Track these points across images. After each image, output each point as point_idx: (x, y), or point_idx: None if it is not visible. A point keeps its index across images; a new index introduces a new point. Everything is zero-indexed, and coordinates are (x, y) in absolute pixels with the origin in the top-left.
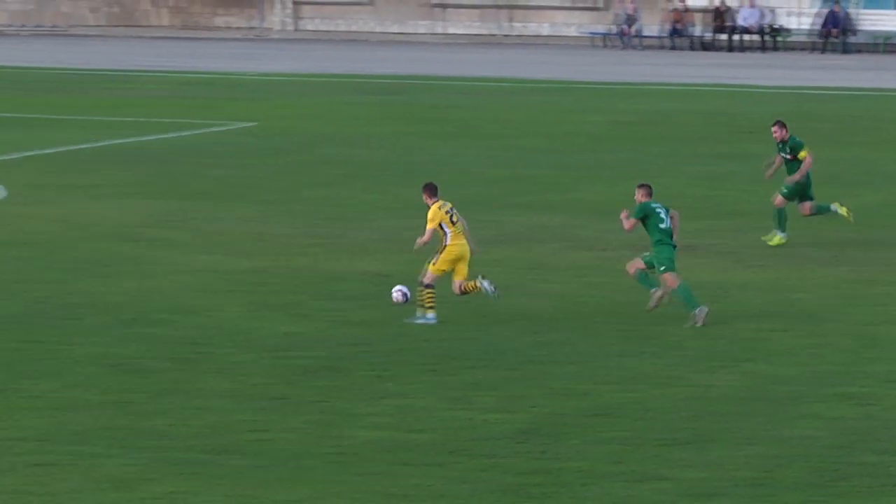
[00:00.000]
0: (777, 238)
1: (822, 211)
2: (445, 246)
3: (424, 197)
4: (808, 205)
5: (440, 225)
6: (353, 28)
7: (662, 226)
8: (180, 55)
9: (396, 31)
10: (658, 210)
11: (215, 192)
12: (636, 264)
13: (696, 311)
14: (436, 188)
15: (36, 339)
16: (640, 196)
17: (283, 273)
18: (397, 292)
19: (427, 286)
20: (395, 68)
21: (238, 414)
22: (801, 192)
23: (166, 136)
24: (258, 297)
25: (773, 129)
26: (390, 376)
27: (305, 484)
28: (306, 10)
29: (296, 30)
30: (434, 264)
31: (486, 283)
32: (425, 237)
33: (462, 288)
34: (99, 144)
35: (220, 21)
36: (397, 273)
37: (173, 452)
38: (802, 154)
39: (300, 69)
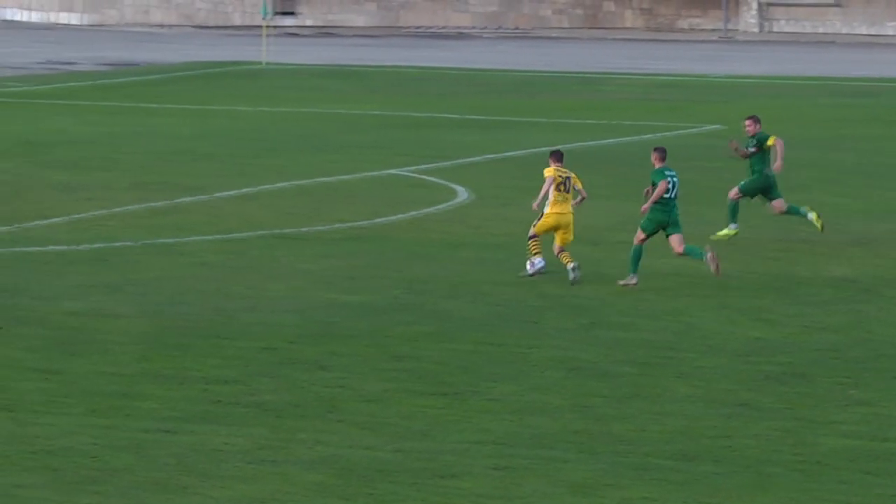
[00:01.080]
0: (726, 231)
1: (793, 212)
2: (543, 213)
3: (550, 160)
4: (778, 203)
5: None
6: (821, 30)
7: (666, 195)
8: (647, 57)
9: (865, 33)
10: (668, 175)
11: (686, 196)
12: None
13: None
14: (561, 155)
15: (497, 341)
16: (654, 160)
17: (750, 276)
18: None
19: (531, 237)
20: (866, 71)
21: (701, 420)
22: (763, 190)
23: (634, 138)
24: (723, 301)
25: (747, 122)
26: (857, 383)
27: (767, 492)
28: (776, 11)
29: (763, 31)
30: (534, 226)
31: (571, 270)
32: (540, 196)
33: (557, 253)
34: (566, 146)
35: (685, 23)
36: (865, 278)
37: (634, 457)
38: (770, 142)
39: (769, 71)
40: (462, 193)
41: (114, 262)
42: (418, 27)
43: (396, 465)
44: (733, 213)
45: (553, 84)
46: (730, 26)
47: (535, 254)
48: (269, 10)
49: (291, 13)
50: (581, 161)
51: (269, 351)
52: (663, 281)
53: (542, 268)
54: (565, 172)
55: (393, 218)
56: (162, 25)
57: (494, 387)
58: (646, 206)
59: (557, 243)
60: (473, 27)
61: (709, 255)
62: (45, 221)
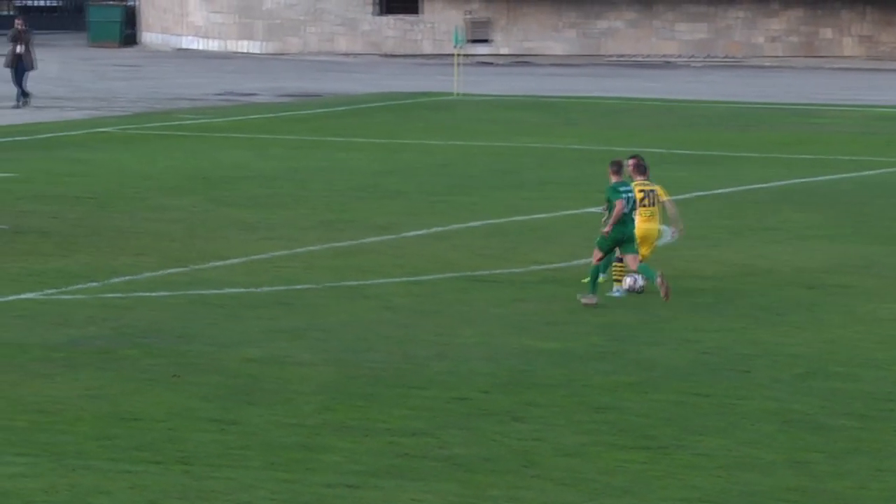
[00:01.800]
0: None
1: None
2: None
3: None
4: None
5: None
6: None
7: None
8: (866, 87)
9: None
10: (623, 192)
11: None
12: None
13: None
14: (645, 168)
15: (704, 392)
16: (609, 175)
17: None
18: (630, 279)
19: (618, 260)
20: None
21: None
22: None
23: (852, 174)
24: None
25: None
26: None
27: None
28: None
29: None
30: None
31: (627, 283)
32: (613, 220)
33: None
34: (779, 183)
35: None
36: None
37: None
38: None
39: None
40: (667, 233)
41: (295, 305)
42: (621, 56)
43: None
44: None
45: (765, 116)
46: None
47: (616, 280)
48: (462, 37)
49: (485, 41)
50: (795, 198)
51: (460, 401)
52: (884, 328)
53: (641, 286)
54: (648, 185)
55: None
56: (347, 54)
57: (702, 440)
58: (607, 228)
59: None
60: (680, 56)
61: (659, 279)
62: (222, 262)
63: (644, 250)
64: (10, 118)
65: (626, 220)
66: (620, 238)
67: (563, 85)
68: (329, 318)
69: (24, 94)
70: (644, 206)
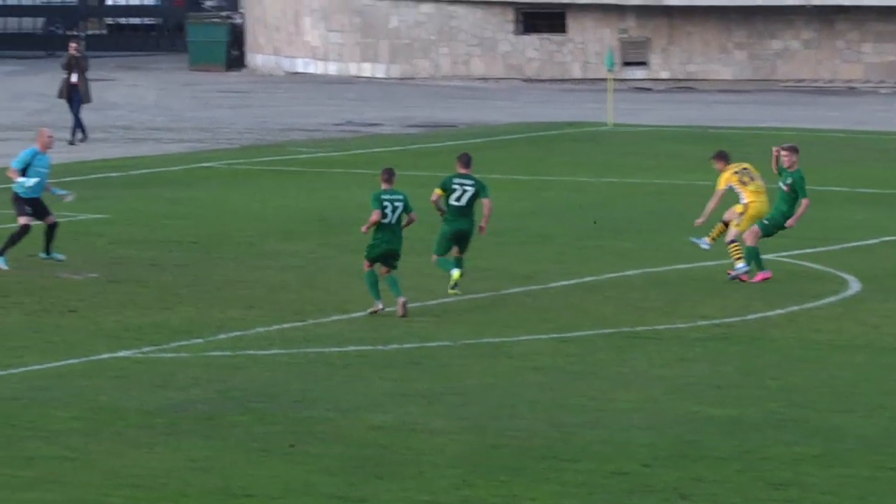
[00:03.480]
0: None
1: None
2: (747, 205)
3: (717, 165)
4: None
5: (731, 187)
6: None
7: (385, 220)
8: None
9: None
10: (385, 199)
11: None
12: None
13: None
14: (726, 155)
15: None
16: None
17: None
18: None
19: (731, 242)
20: None
21: None
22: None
23: None
24: None
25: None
26: None
27: None
28: None
29: None
30: (738, 225)
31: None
32: (713, 201)
33: (729, 241)
34: None
35: None
36: None
37: None
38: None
39: None
40: (854, 284)
41: (428, 365)
42: (798, 81)
43: None
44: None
45: None
46: None
47: (738, 258)
48: (616, 60)
49: (641, 63)
50: None
51: (618, 476)
52: None
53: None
54: (739, 166)
55: (768, 314)
56: (485, 79)
57: None
58: (365, 227)
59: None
60: (867, 81)
61: (401, 301)
62: (344, 316)
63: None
64: (102, 151)
65: (392, 231)
66: (386, 249)
67: (732, 114)
68: (466, 379)
69: (81, 129)
70: (744, 184)
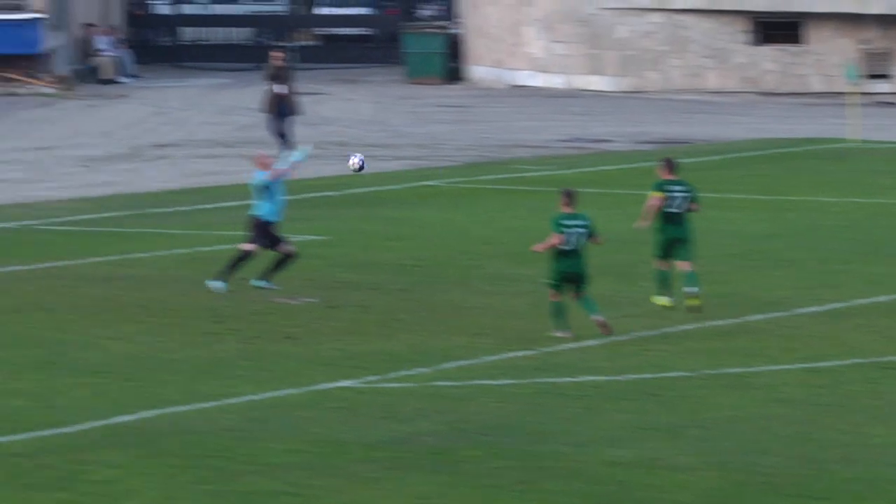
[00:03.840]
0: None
1: None
2: None
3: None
4: None
5: None
6: None
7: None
8: None
9: None
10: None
11: None
12: None
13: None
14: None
15: None
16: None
17: None
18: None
19: None
20: None
21: None
22: None
23: None
24: None
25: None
26: None
27: None
28: None
29: None
30: None
31: None
32: None
33: None
34: None
35: None
36: None
37: None
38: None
39: None
40: None
41: (667, 397)
42: None
43: None
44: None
45: None
46: None
47: None
48: (859, 72)
49: (885, 76)
50: None
51: None
52: None
53: None
54: None
55: None
56: (720, 92)
57: None
58: (540, 246)
59: None
60: None
61: (598, 320)
62: (577, 345)
63: None
64: (317, 169)
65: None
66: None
67: None
68: (709, 412)
69: (286, 146)
70: None
